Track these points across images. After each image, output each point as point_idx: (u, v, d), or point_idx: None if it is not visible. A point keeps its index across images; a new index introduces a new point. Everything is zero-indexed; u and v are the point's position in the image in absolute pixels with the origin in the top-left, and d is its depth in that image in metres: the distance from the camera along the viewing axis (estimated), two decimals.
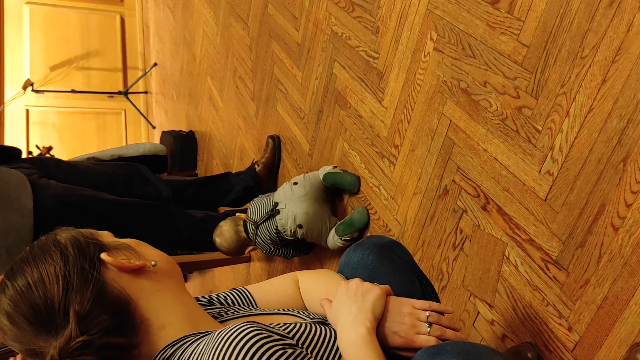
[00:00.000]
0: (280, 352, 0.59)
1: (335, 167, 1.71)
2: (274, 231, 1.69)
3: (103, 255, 0.72)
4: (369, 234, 1.58)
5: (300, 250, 1.85)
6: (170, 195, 1.98)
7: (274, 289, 0.96)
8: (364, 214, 1.59)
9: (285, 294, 0.95)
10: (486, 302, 1.15)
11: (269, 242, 1.73)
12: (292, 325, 0.75)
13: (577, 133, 0.96)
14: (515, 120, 1.08)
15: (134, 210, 1.77)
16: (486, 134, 1.15)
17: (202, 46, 3.22)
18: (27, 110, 4.75)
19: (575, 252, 0.96)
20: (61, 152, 4.56)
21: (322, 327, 0.78)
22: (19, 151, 1.83)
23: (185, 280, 3.74)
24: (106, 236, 0.78)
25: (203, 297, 0.92)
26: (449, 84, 1.25)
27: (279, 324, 0.74)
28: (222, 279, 2.93)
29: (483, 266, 1.16)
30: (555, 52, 1.00)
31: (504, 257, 1.11)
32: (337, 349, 0.76)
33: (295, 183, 1.68)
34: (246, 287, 0.96)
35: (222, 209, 2.35)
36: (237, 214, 1.81)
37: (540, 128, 1.03)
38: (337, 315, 0.80)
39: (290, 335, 0.72)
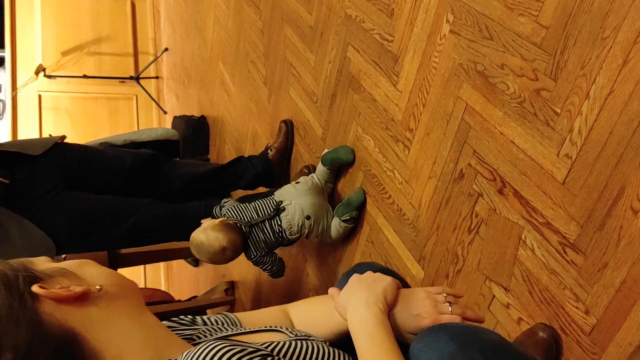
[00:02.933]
0: (258, 357, 0.58)
1: (326, 150, 1.80)
2: (277, 231, 1.68)
3: (34, 288, 0.63)
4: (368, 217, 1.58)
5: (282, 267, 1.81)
6: (182, 188, 1.99)
7: (262, 312, 0.94)
8: (361, 192, 1.65)
9: (272, 317, 0.92)
10: (502, 286, 1.15)
11: (262, 244, 1.69)
12: (275, 343, 0.72)
13: (596, 115, 0.95)
14: (533, 103, 1.07)
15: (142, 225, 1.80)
16: (503, 117, 1.14)
17: (213, 30, 3.21)
18: (40, 96, 4.77)
19: (594, 236, 0.95)
20: (74, 138, 4.57)
21: (306, 342, 0.76)
22: (59, 141, 1.84)
23: (197, 265, 3.77)
24: (42, 263, 0.69)
25: (187, 316, 0.87)
26: (465, 66, 1.24)
27: (261, 343, 0.71)
28: (235, 263, 2.94)
29: (499, 250, 1.16)
30: (575, 33, 0.98)
31: (521, 240, 1.10)
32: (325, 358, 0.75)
33: (298, 182, 1.74)
34: (235, 314, 0.92)
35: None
36: (217, 219, 1.67)
37: (559, 111, 1.02)
38: (347, 300, 0.80)
39: (272, 351, 0.69)
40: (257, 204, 1.72)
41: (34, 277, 0.65)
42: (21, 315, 0.61)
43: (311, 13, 1.97)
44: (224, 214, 1.71)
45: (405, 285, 0.91)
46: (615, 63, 0.92)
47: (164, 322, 0.79)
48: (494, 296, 1.17)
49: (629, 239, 0.90)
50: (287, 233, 1.69)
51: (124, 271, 2.62)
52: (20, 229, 1.58)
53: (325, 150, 1.82)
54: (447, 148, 1.31)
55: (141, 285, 4.66)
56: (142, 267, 4.86)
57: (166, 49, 4.61)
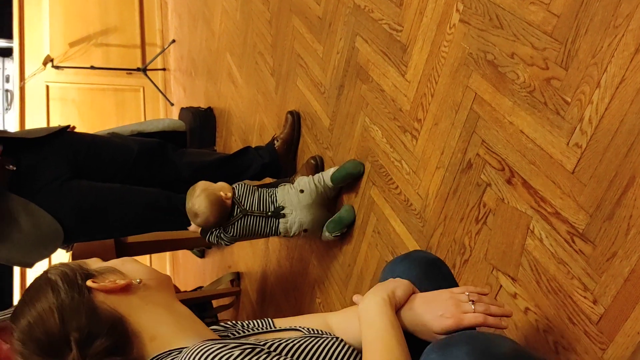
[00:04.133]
0: (238, 351, 0.66)
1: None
2: (270, 229, 1.73)
3: (89, 283, 0.78)
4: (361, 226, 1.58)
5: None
6: (190, 177, 1.99)
7: (299, 317, 0.98)
8: (351, 211, 1.74)
9: (305, 320, 0.96)
10: (509, 276, 1.15)
11: (247, 232, 1.73)
12: (279, 339, 0.78)
13: (607, 104, 0.94)
14: (543, 92, 1.06)
15: (149, 214, 1.80)
16: (512, 106, 1.14)
17: (221, 22, 3.21)
18: (47, 87, 4.78)
19: (603, 225, 0.95)
20: (81, 129, 4.58)
21: (318, 339, 0.81)
22: (64, 129, 1.84)
23: (203, 256, 3.78)
24: (94, 262, 0.85)
25: (232, 321, 0.96)
26: (475, 56, 1.24)
27: (265, 341, 0.78)
28: (241, 254, 2.96)
29: (506, 240, 1.16)
30: (587, 21, 0.98)
31: (529, 230, 1.10)
32: (336, 354, 0.80)
33: (302, 191, 1.75)
34: (275, 319, 0.98)
35: None
36: (224, 190, 1.73)
37: (569, 100, 1.01)
38: (363, 299, 0.86)
39: (270, 347, 0.75)
40: (262, 195, 1.76)
41: (88, 274, 0.80)
42: (81, 304, 0.76)
43: (319, 3, 1.97)
44: (234, 187, 1.76)
45: (453, 284, 0.95)
46: (627, 51, 0.91)
47: (213, 327, 0.91)
48: (501, 286, 1.17)
49: (639, 228, 0.89)
50: (281, 235, 1.77)
51: None
52: (27, 213, 1.59)
53: (332, 169, 1.78)
54: (455, 138, 1.31)
55: None
56: (148, 258, 4.88)
57: (173, 41, 4.61)
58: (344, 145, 1.82)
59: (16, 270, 4.37)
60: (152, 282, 0.83)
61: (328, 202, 1.81)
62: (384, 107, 1.58)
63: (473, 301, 0.80)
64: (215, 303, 3.15)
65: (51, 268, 0.81)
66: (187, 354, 0.68)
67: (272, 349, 0.74)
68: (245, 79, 2.81)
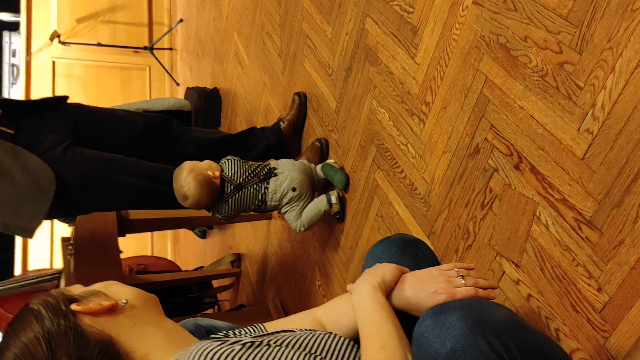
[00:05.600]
0: (239, 346, 0.68)
1: (335, 162, 1.86)
2: (260, 197, 1.74)
3: (73, 307, 0.76)
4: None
5: None
6: (195, 154, 1.98)
7: (289, 318, 0.99)
8: (346, 178, 1.79)
9: (297, 322, 0.96)
10: (513, 262, 1.14)
11: (241, 207, 1.74)
12: (277, 337, 0.79)
13: (621, 89, 0.92)
14: (555, 77, 1.05)
15: (156, 184, 1.79)
16: (524, 90, 1.12)
17: (229, 1, 3.18)
18: (54, 62, 4.76)
19: (611, 213, 0.94)
20: None
21: (311, 334, 0.82)
22: (65, 98, 1.83)
23: (204, 237, 3.79)
24: (76, 288, 0.83)
25: (222, 331, 0.95)
26: (487, 39, 1.22)
27: (262, 340, 0.78)
28: (242, 236, 2.96)
29: (512, 226, 1.15)
30: (604, 4, 0.96)
31: (535, 216, 1.09)
32: (333, 346, 0.81)
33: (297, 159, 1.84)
34: (265, 323, 0.98)
35: None
36: (210, 169, 1.71)
37: (582, 84, 0.99)
38: (355, 287, 0.88)
39: (270, 342, 0.76)
40: (254, 166, 1.78)
41: (72, 299, 0.78)
42: (68, 330, 0.74)
43: None
44: (221, 164, 1.75)
45: (436, 263, 0.98)
46: None
47: (205, 339, 0.92)
48: (504, 272, 1.16)
49: None
50: (269, 197, 1.75)
51: (132, 237, 2.64)
52: (14, 158, 1.55)
53: (332, 161, 1.87)
54: (463, 122, 1.29)
55: (148, 254, 4.69)
56: (149, 238, 4.89)
57: (181, 20, 4.58)
58: (349, 128, 1.81)
59: (18, 240, 4.39)
60: (138, 302, 0.82)
61: (314, 183, 1.85)
62: (392, 89, 1.56)
63: (462, 276, 0.84)
64: (215, 283, 3.16)
65: (32, 299, 0.80)
66: (188, 355, 0.68)
67: (271, 342, 0.75)
68: (252, 59, 2.79)
